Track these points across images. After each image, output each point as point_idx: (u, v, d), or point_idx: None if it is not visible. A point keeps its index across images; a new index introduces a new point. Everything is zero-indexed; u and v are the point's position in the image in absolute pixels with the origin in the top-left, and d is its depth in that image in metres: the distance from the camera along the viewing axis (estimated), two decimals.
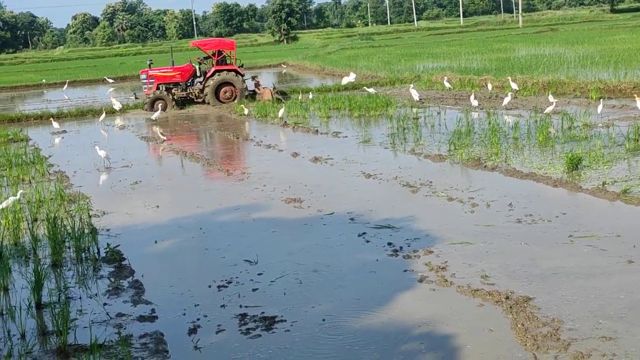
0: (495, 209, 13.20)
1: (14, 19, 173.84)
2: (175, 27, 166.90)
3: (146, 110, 34.34)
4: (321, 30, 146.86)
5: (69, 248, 12.57)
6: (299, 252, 11.78)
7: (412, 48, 67.05)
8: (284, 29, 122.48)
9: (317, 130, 24.39)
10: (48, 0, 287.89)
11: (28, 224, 14.03)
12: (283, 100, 33.92)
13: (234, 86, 34.87)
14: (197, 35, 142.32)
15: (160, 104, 33.83)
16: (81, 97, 42.33)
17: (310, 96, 33.64)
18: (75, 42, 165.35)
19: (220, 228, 13.66)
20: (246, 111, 29.98)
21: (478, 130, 21.26)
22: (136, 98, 37.29)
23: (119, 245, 12.54)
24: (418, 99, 29.04)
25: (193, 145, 23.42)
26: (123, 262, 11.78)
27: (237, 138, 24.41)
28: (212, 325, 9.06)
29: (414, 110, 27.02)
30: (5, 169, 20.63)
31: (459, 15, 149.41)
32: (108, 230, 13.85)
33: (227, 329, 8.92)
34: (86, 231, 12.96)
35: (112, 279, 11.04)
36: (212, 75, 34.77)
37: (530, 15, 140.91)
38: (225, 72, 34.83)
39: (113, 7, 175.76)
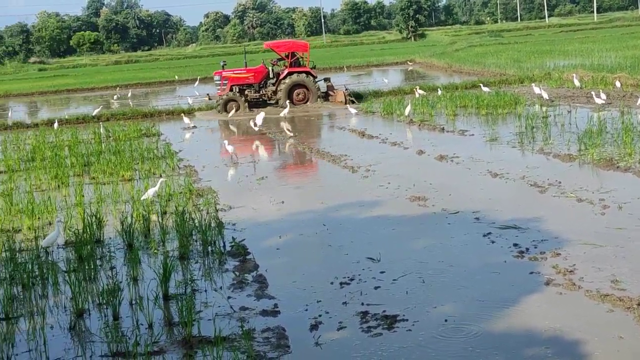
0: (628, 212, 12.73)
1: (149, 18, 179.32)
2: (303, 24, 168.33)
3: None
4: (449, 27, 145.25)
5: (196, 241, 12.83)
6: (422, 250, 11.67)
7: (543, 45, 65.54)
8: (411, 26, 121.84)
9: (443, 128, 24.13)
10: None
11: (158, 216, 14.42)
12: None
13: (306, 88, 34.66)
14: (325, 33, 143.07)
15: (230, 104, 34.08)
16: (211, 93, 43.16)
17: (439, 92, 33.32)
18: (207, 40, 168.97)
19: (343, 224, 13.67)
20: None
21: (610, 129, 20.56)
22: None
23: (244, 239, 12.71)
24: (547, 97, 28.32)
25: (318, 142, 23.58)
26: (247, 257, 11.95)
27: (362, 136, 24.40)
28: (333, 322, 9.07)
29: (544, 108, 26.38)
30: (138, 163, 21.27)
31: (592, 11, 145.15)
32: (234, 224, 14.07)
33: (348, 326, 8.91)
34: (213, 225, 13.20)
35: (237, 273, 11.20)
36: (285, 77, 34.61)
37: None
38: (298, 74, 34.64)
39: (244, 5, 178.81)
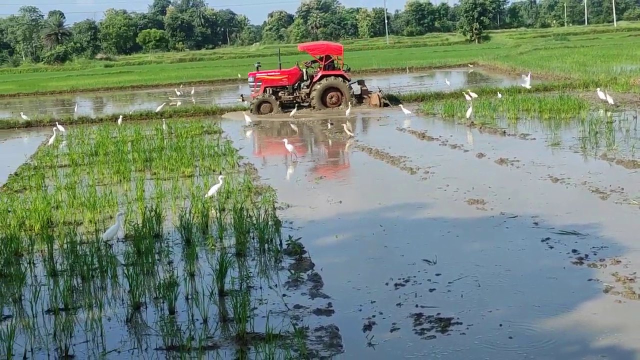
0: None
1: (214, 16, 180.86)
2: (367, 25, 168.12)
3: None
4: (514, 29, 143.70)
5: (253, 239, 12.91)
6: (479, 254, 11.58)
7: (610, 49, 64.39)
8: (475, 29, 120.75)
9: (504, 132, 23.89)
10: None
11: (216, 213, 14.55)
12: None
13: (340, 91, 34.50)
14: (388, 34, 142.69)
15: (267, 107, 34.09)
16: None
17: (499, 96, 33.04)
18: (271, 39, 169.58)
19: (400, 226, 13.63)
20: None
21: None
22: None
23: (300, 238, 12.75)
24: (612, 102, 27.84)
25: (378, 142, 23.50)
26: (303, 255, 11.98)
27: (423, 137, 24.29)
28: (387, 322, 9.05)
29: (608, 113, 25.95)
30: (199, 160, 21.48)
31: None
32: (291, 222, 14.13)
33: (401, 327, 8.89)
34: (270, 223, 13.27)
35: (292, 271, 11.24)
36: (319, 79, 34.46)
37: None
38: (332, 77, 34.44)
39: (308, 5, 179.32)
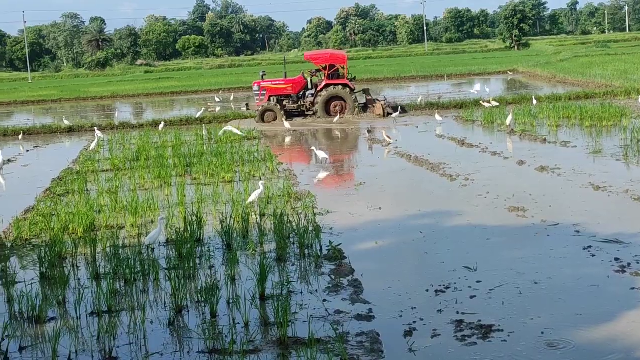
0: None
1: (253, 23, 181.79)
2: (406, 32, 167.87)
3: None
4: (554, 37, 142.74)
5: (293, 244, 12.98)
6: (520, 261, 11.53)
7: None
8: (515, 35, 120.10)
9: (545, 139, 23.74)
10: (286, 5, 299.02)
11: (256, 218, 14.64)
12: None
13: (344, 100, 34.47)
14: (427, 41, 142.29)
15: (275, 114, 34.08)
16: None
17: (534, 102, 32.95)
18: (309, 45, 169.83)
19: (440, 232, 13.62)
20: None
21: None
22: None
23: (340, 244, 12.79)
24: None
25: (417, 149, 23.48)
26: (344, 261, 12.02)
27: (462, 144, 24.22)
28: (427, 329, 9.06)
29: None
30: (239, 165, 21.60)
31: None
32: (331, 228, 14.16)
33: (442, 334, 8.89)
34: (310, 229, 13.31)
35: (333, 277, 11.28)
36: (323, 88, 34.45)
37: None
38: (336, 86, 34.42)
39: (347, 11, 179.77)
